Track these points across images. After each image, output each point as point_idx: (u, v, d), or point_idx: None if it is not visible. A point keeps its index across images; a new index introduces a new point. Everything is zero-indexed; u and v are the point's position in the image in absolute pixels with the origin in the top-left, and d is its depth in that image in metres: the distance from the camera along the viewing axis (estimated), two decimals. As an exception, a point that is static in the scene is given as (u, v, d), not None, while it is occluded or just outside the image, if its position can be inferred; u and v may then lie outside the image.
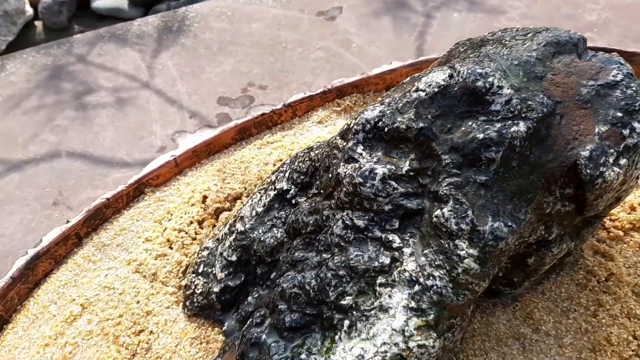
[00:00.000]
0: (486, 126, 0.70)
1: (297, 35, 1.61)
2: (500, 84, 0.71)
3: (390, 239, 0.71)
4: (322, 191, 0.79)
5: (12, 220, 1.15)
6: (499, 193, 0.71)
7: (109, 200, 1.01)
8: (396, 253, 0.70)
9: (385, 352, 0.67)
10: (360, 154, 0.73)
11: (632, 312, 0.83)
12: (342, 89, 1.23)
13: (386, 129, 0.73)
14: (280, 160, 1.09)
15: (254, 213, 0.86)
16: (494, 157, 0.69)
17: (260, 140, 1.16)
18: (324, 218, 0.75)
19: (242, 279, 0.85)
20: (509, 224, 0.70)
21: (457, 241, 0.68)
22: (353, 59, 1.53)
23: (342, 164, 0.74)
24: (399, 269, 0.69)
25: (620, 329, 0.81)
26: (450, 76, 0.72)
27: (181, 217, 0.99)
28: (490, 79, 0.71)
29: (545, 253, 0.78)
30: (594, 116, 0.74)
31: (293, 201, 0.85)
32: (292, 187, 0.85)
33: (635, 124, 0.73)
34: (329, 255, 0.73)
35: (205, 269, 0.88)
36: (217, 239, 0.90)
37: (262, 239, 0.84)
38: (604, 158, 0.71)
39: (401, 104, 0.73)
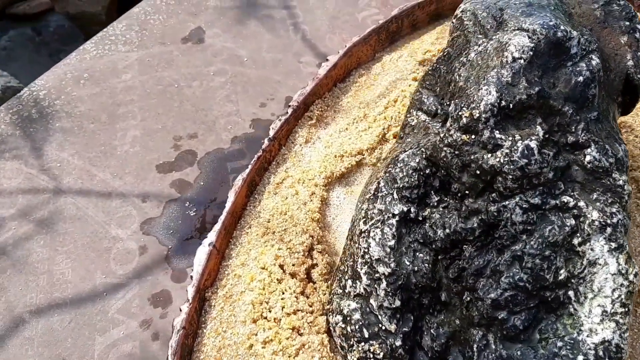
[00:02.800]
0: (577, 69, 0.76)
1: (180, 70, 1.43)
2: (568, 29, 0.78)
3: (565, 201, 0.73)
4: (468, 191, 0.76)
5: None
6: (604, 120, 0.79)
7: (185, 328, 0.80)
8: (575, 211, 0.73)
9: (619, 296, 0.71)
10: (501, 138, 0.73)
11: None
12: (307, 101, 1.16)
13: (511, 105, 0.74)
14: (314, 194, 0.99)
15: (387, 249, 0.79)
16: (595, 92, 0.77)
17: (269, 185, 1.03)
18: (494, 215, 0.74)
19: (412, 318, 0.78)
20: (622, 143, 0.79)
21: (613, 175, 0.75)
22: (256, 71, 1.44)
23: (488, 155, 0.73)
24: (587, 222, 0.73)
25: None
26: (530, 37, 0.76)
27: (271, 296, 0.84)
28: (562, 27, 0.77)
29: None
30: (614, 31, 0.87)
31: (420, 218, 0.80)
32: (409, 205, 0.80)
33: (639, 26, 0.88)
34: (522, 245, 0.72)
35: (370, 331, 0.78)
36: (359, 295, 0.80)
37: (415, 269, 0.78)
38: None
39: (509, 77, 0.74)
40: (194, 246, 1.03)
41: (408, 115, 0.94)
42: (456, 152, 0.76)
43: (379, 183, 0.84)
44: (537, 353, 0.70)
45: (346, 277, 0.83)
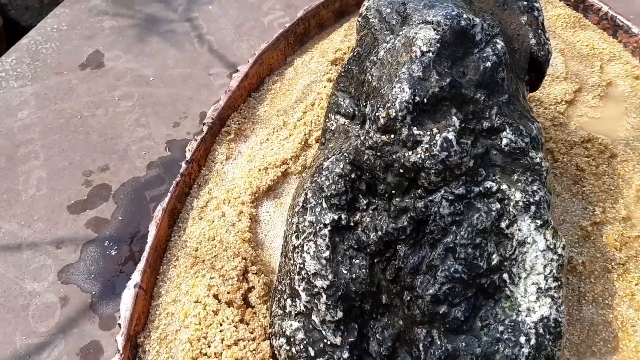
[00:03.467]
0: (484, 55, 0.77)
1: (82, 99, 1.34)
2: (470, 16, 0.78)
3: (488, 186, 0.74)
4: (394, 191, 0.75)
5: None
6: (515, 100, 0.81)
7: (121, 384, 0.73)
8: (499, 195, 0.74)
9: (551, 271, 0.73)
10: (419, 134, 0.72)
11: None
12: (222, 115, 1.11)
13: (425, 100, 0.73)
14: (241, 213, 0.95)
15: (323, 262, 0.76)
16: (504, 75, 0.78)
17: (193, 210, 0.98)
18: (422, 211, 0.73)
19: (356, 326, 0.76)
20: (534, 121, 0.81)
21: (530, 154, 0.77)
22: (165, 90, 1.37)
23: (409, 152, 0.72)
24: (511, 204, 0.74)
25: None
26: (435, 29, 0.76)
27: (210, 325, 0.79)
28: (464, 16, 0.77)
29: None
30: (514, 12, 0.89)
31: (351, 224, 0.78)
32: (340, 213, 0.78)
33: (536, 4, 0.91)
34: (452, 236, 0.72)
35: (315, 348, 0.75)
36: (300, 313, 0.77)
37: (353, 277, 0.76)
38: (541, 38, 0.88)
39: (420, 72, 0.74)
40: (120, 287, 0.96)
41: (327, 120, 0.92)
42: (378, 154, 0.75)
43: (306, 194, 0.81)
44: (480, 341, 0.71)
45: (285, 297, 0.79)
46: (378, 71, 0.79)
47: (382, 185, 0.76)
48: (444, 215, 0.73)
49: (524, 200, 0.74)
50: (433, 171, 0.72)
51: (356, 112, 0.87)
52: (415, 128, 0.73)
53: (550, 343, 0.70)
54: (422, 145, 0.72)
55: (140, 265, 0.87)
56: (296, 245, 0.79)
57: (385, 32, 0.83)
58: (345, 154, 0.80)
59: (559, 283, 0.73)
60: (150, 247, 0.89)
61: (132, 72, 1.42)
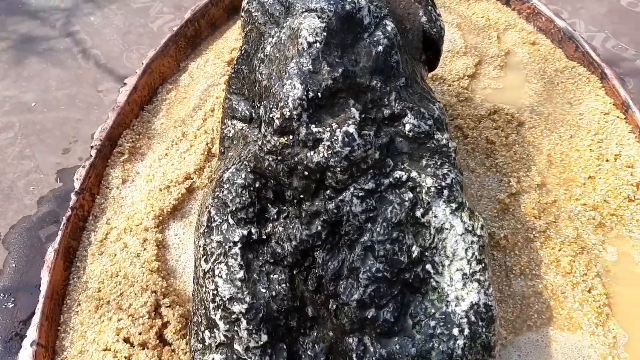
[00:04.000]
0: (374, 39, 0.73)
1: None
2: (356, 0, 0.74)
3: (398, 176, 0.70)
4: (302, 195, 0.70)
5: None
6: (413, 83, 0.78)
7: None
8: (410, 183, 0.71)
9: (473, 254, 0.70)
10: (319, 131, 0.67)
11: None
12: (112, 135, 1.01)
13: (319, 94, 0.68)
14: (146, 240, 0.86)
15: (238, 283, 0.70)
16: (398, 58, 0.75)
17: (91, 246, 0.88)
18: (334, 212, 0.68)
19: (285, 347, 0.71)
20: (435, 101, 0.78)
21: (435, 136, 0.74)
22: (50, 114, 1.24)
23: (310, 153, 0.67)
24: (423, 191, 0.70)
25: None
26: (320, 17, 0.71)
27: None
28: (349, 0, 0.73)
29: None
30: (401, -9, 0.86)
31: (263, 237, 0.72)
32: (249, 227, 0.72)
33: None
34: (369, 235, 0.68)
35: (244, 381, 0.69)
36: (221, 344, 0.70)
37: (272, 294, 0.70)
38: (432, 15, 0.85)
39: (310, 65, 0.68)
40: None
41: (223, 127, 0.85)
42: (279, 158, 0.69)
43: (209, 212, 0.74)
44: (414, 340, 0.67)
45: (202, 329, 0.72)
46: (267, 68, 0.73)
47: (289, 191, 0.70)
48: (356, 213, 0.68)
49: (436, 185, 0.71)
50: (338, 169, 0.67)
51: (253, 115, 0.81)
52: (313, 126, 0.67)
53: (484, 330, 0.68)
54: (323, 143, 0.67)
55: (36, 319, 0.77)
56: (206, 269, 0.72)
57: (270, 25, 0.77)
58: (246, 162, 0.73)
59: (483, 265, 0.71)
60: (45, 296, 0.78)
61: (11, 100, 1.28)
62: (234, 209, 0.72)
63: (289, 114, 0.67)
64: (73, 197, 0.90)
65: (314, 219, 0.70)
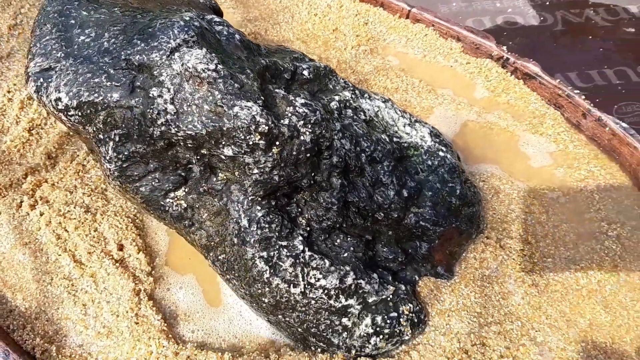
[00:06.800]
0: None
1: None
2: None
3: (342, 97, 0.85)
4: (313, 172, 0.78)
5: None
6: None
7: None
8: (344, 102, 0.86)
9: (397, 110, 0.93)
10: (287, 115, 0.75)
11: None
12: None
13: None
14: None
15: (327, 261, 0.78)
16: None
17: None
18: (339, 161, 0.79)
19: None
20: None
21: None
22: None
23: (300, 138, 0.75)
24: (351, 101, 0.87)
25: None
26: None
27: None
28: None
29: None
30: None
31: (308, 228, 0.80)
32: (297, 232, 0.78)
33: None
34: (363, 157, 0.82)
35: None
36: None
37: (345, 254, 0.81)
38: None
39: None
40: None
41: (160, 214, 0.80)
42: (282, 164, 0.74)
43: (264, 260, 0.76)
44: (428, 180, 0.90)
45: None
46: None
47: (305, 179, 0.78)
48: (348, 149, 0.81)
49: (352, 95, 0.89)
50: (324, 129, 0.77)
51: (193, 169, 0.79)
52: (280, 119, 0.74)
53: (444, 140, 0.94)
54: (295, 121, 0.75)
55: None
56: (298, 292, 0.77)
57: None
58: (252, 197, 0.76)
59: (408, 113, 0.95)
60: None
61: None
62: (276, 236, 0.76)
63: (265, 129, 0.71)
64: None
65: (331, 178, 0.80)
